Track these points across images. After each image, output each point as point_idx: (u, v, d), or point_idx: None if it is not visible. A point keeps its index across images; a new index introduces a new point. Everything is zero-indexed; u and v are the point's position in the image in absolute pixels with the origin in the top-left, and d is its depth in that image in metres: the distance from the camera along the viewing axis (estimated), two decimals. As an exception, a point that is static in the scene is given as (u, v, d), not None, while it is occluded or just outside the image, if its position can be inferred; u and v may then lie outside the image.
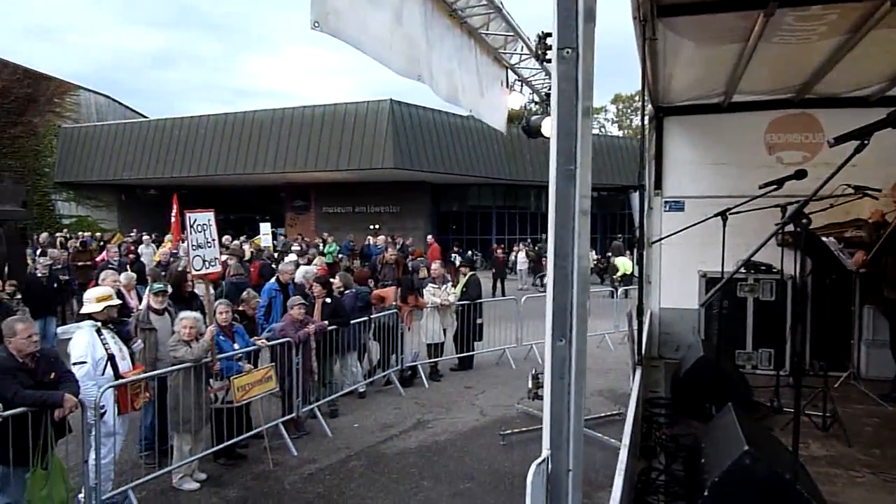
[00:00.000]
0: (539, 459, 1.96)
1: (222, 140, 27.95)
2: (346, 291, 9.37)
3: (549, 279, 2.00)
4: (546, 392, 1.99)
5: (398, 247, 18.07)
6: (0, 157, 29.61)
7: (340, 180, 28.70)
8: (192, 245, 6.04)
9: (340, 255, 20.62)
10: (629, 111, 58.77)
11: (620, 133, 52.09)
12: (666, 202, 7.10)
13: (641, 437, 4.38)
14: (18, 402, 4.58)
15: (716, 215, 5.05)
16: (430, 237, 21.45)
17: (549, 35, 5.25)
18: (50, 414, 4.72)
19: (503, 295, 20.21)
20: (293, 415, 7.44)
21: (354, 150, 25.61)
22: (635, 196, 7.74)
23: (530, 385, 7.13)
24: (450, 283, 11.13)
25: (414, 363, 10.18)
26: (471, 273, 11.55)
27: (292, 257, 12.63)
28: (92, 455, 5.12)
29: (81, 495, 5.24)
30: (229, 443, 6.55)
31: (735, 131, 6.88)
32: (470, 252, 27.41)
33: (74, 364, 5.33)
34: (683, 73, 5.83)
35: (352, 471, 6.67)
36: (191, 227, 6.05)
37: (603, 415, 8.12)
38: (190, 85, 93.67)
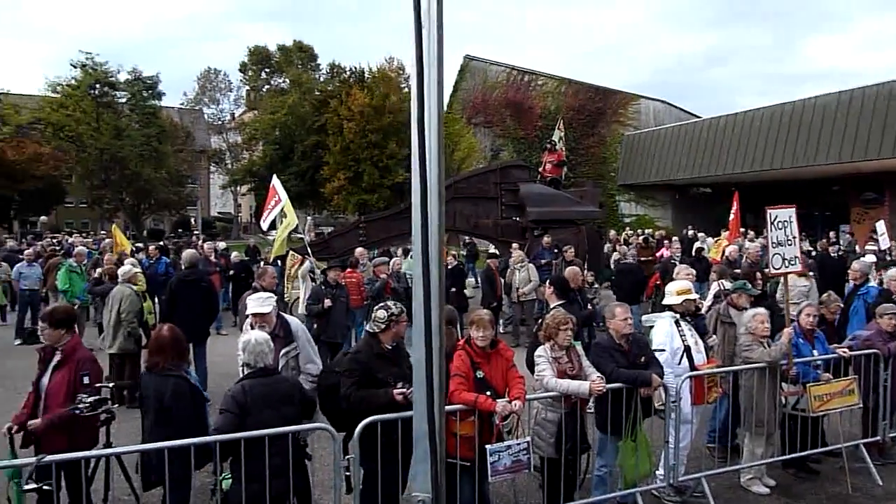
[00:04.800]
0: None
1: (778, 132, 26.55)
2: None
3: None
4: None
5: None
6: (577, 165, 34.85)
7: (926, 166, 23.87)
8: (773, 242, 5.85)
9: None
10: None
11: None
12: None
13: None
14: (615, 378, 5.20)
15: None
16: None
17: None
18: (638, 392, 5.23)
19: None
20: (877, 438, 6.51)
21: (951, 127, 20.95)
22: None
23: None
24: None
25: None
26: None
27: (870, 258, 11.07)
28: (671, 437, 5.50)
29: (660, 472, 5.69)
30: (803, 454, 6.15)
31: None
32: None
33: (654, 350, 5.76)
34: None
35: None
36: (771, 223, 5.88)
37: None
38: (742, 79, 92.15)
